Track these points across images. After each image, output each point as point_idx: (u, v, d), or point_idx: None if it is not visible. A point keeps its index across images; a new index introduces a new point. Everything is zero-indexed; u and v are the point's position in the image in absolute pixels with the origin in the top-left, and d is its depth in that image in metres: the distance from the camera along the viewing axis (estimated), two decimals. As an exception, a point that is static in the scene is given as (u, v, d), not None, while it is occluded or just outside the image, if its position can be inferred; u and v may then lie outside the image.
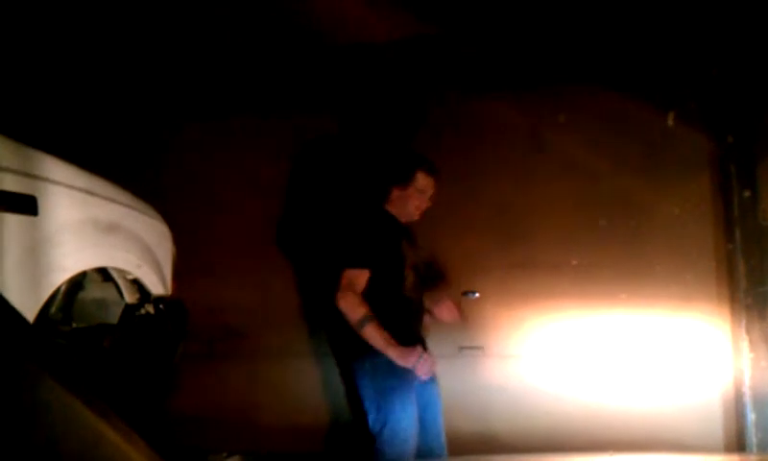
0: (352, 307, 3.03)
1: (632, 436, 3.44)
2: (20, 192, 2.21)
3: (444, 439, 3.30)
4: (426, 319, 3.39)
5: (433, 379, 3.26)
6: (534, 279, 3.82)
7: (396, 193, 3.32)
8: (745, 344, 3.59)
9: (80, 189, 2.49)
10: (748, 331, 3.60)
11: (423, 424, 3.19)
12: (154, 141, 4.34)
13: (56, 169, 2.39)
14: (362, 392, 3.15)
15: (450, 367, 3.42)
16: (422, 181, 3.30)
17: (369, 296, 3.06)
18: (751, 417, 3.54)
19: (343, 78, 4.15)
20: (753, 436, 3.53)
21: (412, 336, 3.15)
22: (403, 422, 3.06)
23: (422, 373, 3.05)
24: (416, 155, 3.43)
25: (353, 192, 3.85)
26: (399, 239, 3.25)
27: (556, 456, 2.74)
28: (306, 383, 4.02)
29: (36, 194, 2.27)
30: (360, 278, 3.08)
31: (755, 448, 3.51)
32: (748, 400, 3.56)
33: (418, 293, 3.32)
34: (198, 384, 3.93)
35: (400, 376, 3.06)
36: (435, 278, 3.66)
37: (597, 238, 3.80)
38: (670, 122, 3.78)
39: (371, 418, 3.10)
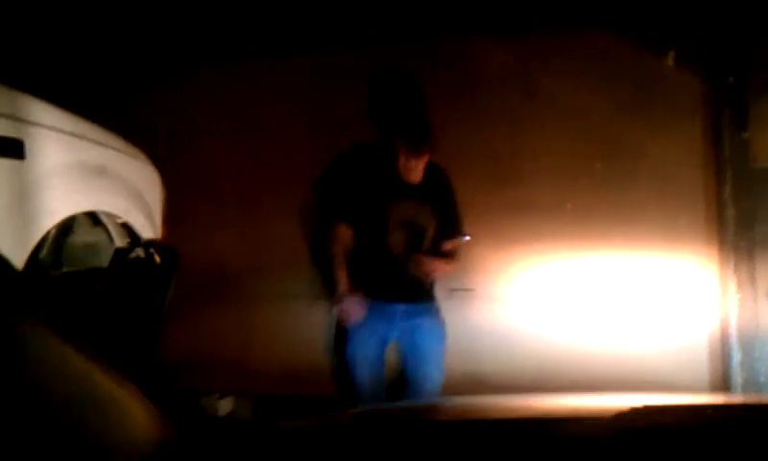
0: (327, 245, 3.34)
1: (619, 377, 3.47)
2: (6, 136, 2.18)
3: (429, 385, 3.34)
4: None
5: (420, 325, 3.35)
6: (525, 222, 3.81)
7: (400, 146, 3.31)
8: (733, 285, 3.62)
9: (67, 133, 2.46)
10: (736, 272, 3.62)
11: (406, 368, 3.39)
12: (151, 85, 4.25)
13: (42, 112, 2.36)
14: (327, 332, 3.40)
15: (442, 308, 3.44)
16: (405, 149, 3.29)
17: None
18: (737, 357, 3.59)
19: (327, 18, 4.05)
20: (738, 376, 3.58)
21: (380, 288, 3.27)
22: (352, 363, 3.28)
23: (343, 317, 3.27)
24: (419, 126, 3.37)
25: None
26: (385, 193, 3.31)
27: (544, 397, 2.78)
28: (299, 325, 4.03)
29: (23, 138, 2.24)
30: (340, 229, 3.32)
31: (740, 389, 3.57)
32: (734, 340, 3.61)
33: (408, 250, 3.33)
34: (190, 327, 3.94)
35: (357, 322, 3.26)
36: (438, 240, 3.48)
37: (591, 181, 3.78)
38: (670, 62, 3.71)
39: (329, 357, 3.40)
